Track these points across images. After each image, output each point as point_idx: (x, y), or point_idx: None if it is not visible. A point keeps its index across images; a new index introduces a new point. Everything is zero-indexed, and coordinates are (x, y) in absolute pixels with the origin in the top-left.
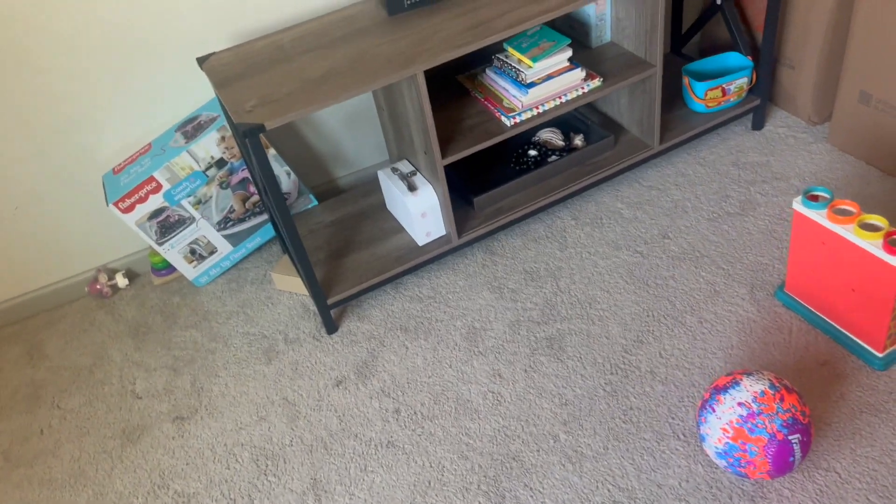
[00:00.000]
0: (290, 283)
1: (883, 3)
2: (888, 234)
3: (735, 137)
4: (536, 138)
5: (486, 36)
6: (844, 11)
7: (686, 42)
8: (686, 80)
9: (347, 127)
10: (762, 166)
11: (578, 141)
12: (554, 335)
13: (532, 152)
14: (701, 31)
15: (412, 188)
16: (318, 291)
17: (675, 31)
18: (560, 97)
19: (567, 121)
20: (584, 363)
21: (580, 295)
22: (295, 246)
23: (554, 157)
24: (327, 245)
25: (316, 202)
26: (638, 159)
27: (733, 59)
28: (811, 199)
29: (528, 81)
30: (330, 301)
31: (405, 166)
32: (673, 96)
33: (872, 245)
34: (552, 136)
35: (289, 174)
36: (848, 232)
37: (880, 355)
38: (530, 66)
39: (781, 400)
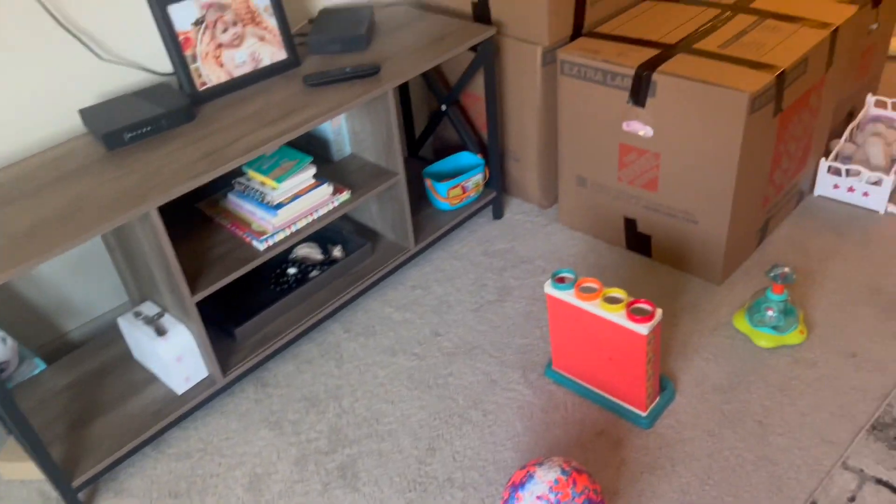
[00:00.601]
0: (23, 470)
1: (580, 103)
2: (629, 305)
3: (481, 228)
4: (294, 255)
5: (221, 164)
6: (551, 111)
7: (421, 145)
8: (428, 182)
9: (73, 273)
10: (509, 252)
11: (337, 252)
12: (345, 462)
13: (292, 270)
14: (433, 134)
15: (161, 332)
16: (58, 474)
17: (409, 136)
18: (311, 214)
19: (323, 233)
20: (380, 487)
21: (365, 412)
22: (18, 425)
23: (315, 272)
24: (65, 414)
25: (44, 366)
26: (397, 262)
27: (466, 157)
28: (559, 281)
29: (276, 203)
30: (76, 483)
31: (149, 308)
32: (419, 197)
33: (618, 316)
34: (310, 251)
35: (3, 340)
36: (595, 307)
37: (644, 414)
38: (275, 188)
39: (574, 484)
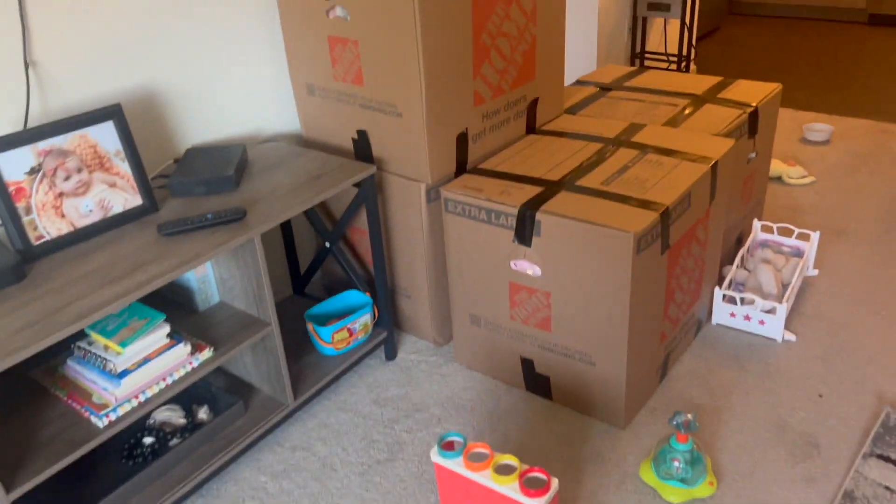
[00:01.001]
0: None
1: (467, 241)
2: (522, 474)
3: (372, 373)
4: (152, 421)
5: (47, 335)
6: (439, 247)
7: (307, 282)
8: (310, 326)
9: None
10: (402, 399)
11: (203, 414)
12: None
13: (148, 440)
14: (321, 269)
15: None
16: None
17: (293, 272)
18: (164, 379)
19: (188, 392)
20: None
21: None
22: None
23: (176, 440)
24: None
25: None
26: (274, 421)
27: (354, 296)
28: (447, 447)
29: (120, 370)
30: None
31: None
32: (302, 341)
33: (510, 489)
34: (171, 415)
35: None
36: (486, 479)
37: None
38: (119, 353)
39: None
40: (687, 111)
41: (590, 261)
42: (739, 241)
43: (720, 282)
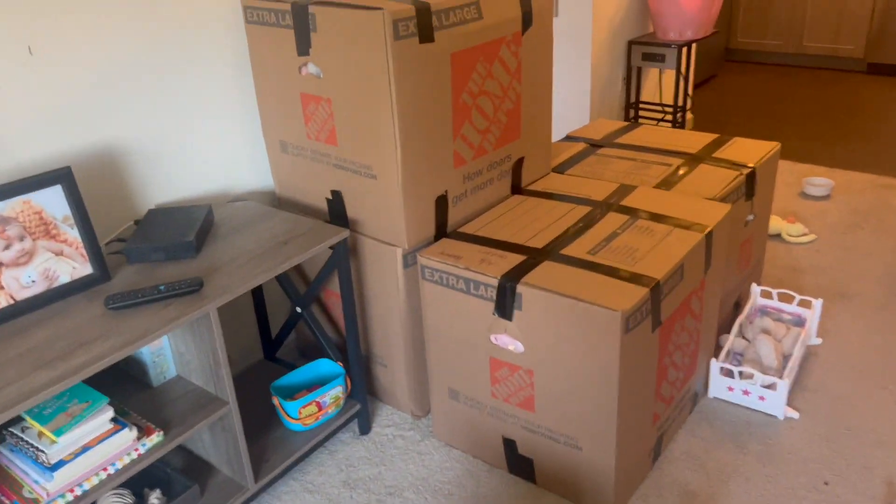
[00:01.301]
0: None
1: (445, 311)
2: None
3: (344, 448)
4: None
5: None
6: (418, 314)
7: (279, 347)
8: (276, 400)
9: None
10: (375, 480)
11: (155, 499)
12: None
13: None
14: (295, 331)
15: None
16: None
17: (264, 336)
18: (106, 469)
19: (139, 473)
20: None
21: None
22: None
23: None
24: None
25: None
26: None
27: (325, 365)
28: None
29: (54, 461)
30: None
31: None
32: (268, 413)
33: None
34: (118, 502)
35: None
36: None
37: None
38: (54, 442)
39: None
40: (681, 171)
41: (575, 339)
42: (737, 307)
43: (717, 352)
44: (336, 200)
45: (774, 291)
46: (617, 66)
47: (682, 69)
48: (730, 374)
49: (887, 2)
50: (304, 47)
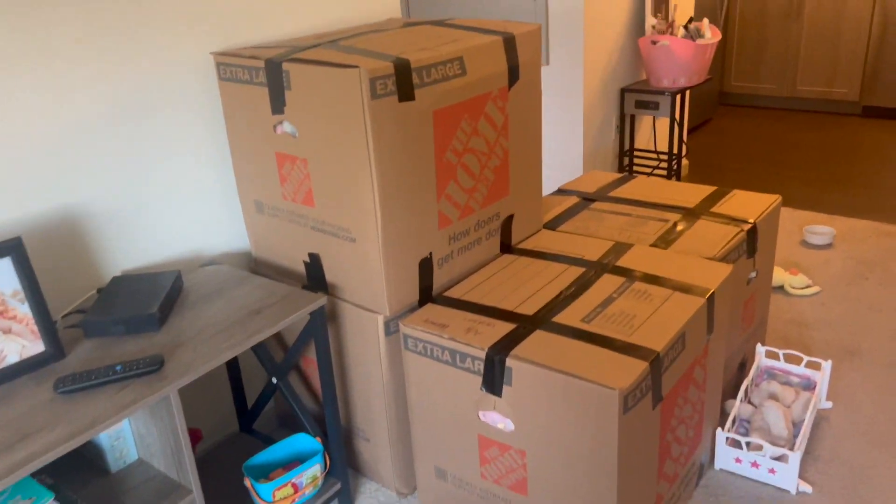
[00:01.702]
0: None
1: (430, 384)
2: None
3: None
4: None
5: None
6: (402, 385)
7: (255, 418)
8: (248, 482)
9: None
10: None
11: None
12: None
13: None
14: (274, 399)
15: None
16: None
17: (240, 407)
18: None
19: None
20: None
21: None
22: None
23: None
24: None
25: None
26: None
27: (303, 441)
28: None
29: None
30: None
31: None
32: (243, 496)
33: None
34: None
35: None
36: None
37: None
38: None
39: None
40: (679, 228)
41: (569, 418)
42: (742, 368)
43: (722, 419)
44: (314, 264)
45: (781, 352)
46: (610, 114)
47: (677, 116)
48: (737, 444)
49: (880, 45)
50: (278, 105)
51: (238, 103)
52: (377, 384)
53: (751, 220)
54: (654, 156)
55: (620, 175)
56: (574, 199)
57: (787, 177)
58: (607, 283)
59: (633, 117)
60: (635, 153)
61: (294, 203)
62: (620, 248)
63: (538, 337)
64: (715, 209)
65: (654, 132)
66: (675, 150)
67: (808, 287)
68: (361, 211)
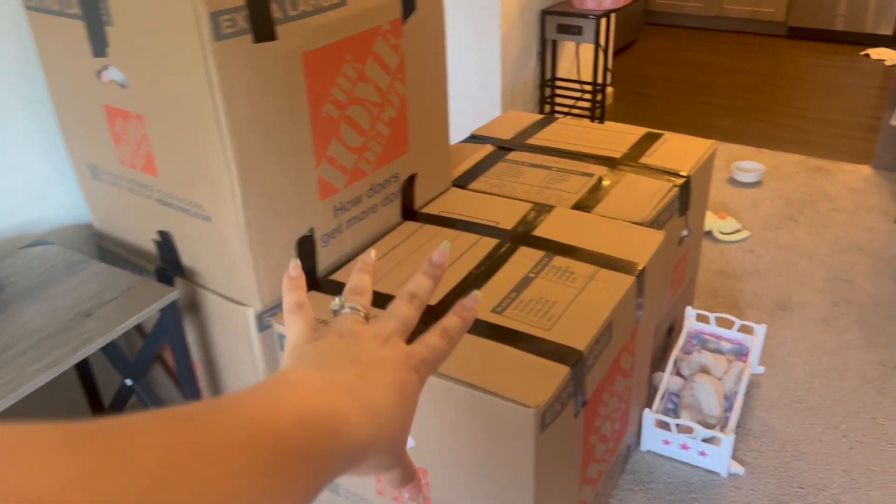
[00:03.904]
0: None
1: None
2: None
3: None
4: None
5: None
6: None
7: None
8: None
9: None
10: None
11: None
12: None
13: None
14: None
15: None
16: None
17: (96, 413)
18: None
19: None
20: None
21: None
22: None
23: None
24: None
25: None
26: None
27: None
28: None
29: None
30: None
31: None
32: None
33: None
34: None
35: None
36: None
37: None
38: None
39: None
40: (605, 183)
41: (477, 436)
42: (671, 333)
43: (650, 395)
44: (165, 244)
45: (712, 316)
46: (530, 41)
47: (602, 41)
48: (665, 425)
49: None
50: (99, 46)
51: (52, 40)
52: None
53: (684, 174)
54: (578, 86)
55: (540, 117)
56: (488, 149)
57: (713, 105)
58: (523, 259)
59: (554, 44)
60: (557, 83)
61: (133, 170)
62: (539, 211)
63: None
64: (644, 159)
65: (577, 59)
66: (600, 80)
67: (737, 232)
68: (213, 183)
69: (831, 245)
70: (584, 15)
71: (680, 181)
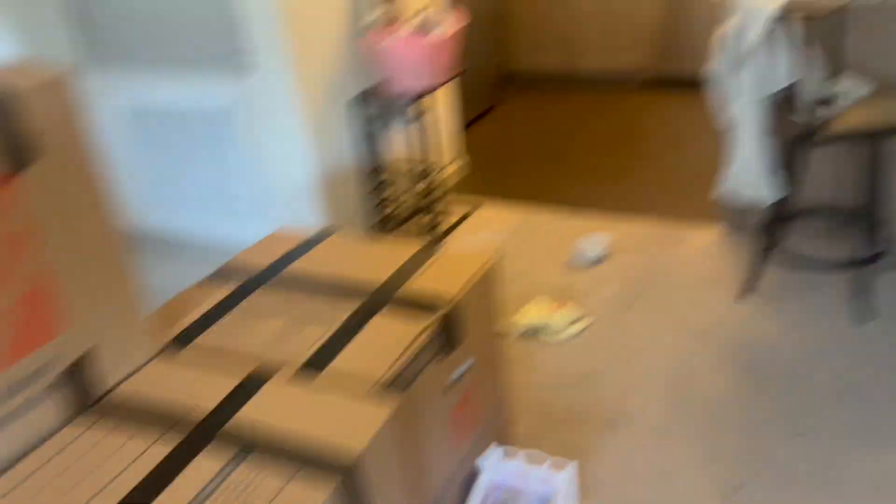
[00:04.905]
0: None
1: None
2: None
3: None
4: None
5: None
6: None
7: None
8: None
9: None
10: None
11: None
12: None
13: None
14: None
15: None
16: None
17: None
18: None
19: None
20: None
21: None
22: None
23: None
24: None
25: None
26: None
27: None
28: None
29: None
30: None
31: None
32: None
33: None
34: None
35: None
36: None
37: None
38: None
39: None
40: (345, 333)
41: None
42: (471, 486)
43: None
44: None
45: (521, 453)
46: (343, 130)
47: (440, 118)
48: None
49: (666, 17)
50: None
51: None
52: None
53: (448, 300)
54: (408, 169)
55: (318, 231)
56: (230, 288)
57: (569, 167)
58: (208, 463)
59: (378, 128)
60: (388, 168)
61: None
62: (252, 383)
63: None
64: (409, 284)
65: (409, 139)
66: (434, 159)
67: (574, 322)
68: None
69: (673, 331)
70: (396, 100)
71: (440, 314)
